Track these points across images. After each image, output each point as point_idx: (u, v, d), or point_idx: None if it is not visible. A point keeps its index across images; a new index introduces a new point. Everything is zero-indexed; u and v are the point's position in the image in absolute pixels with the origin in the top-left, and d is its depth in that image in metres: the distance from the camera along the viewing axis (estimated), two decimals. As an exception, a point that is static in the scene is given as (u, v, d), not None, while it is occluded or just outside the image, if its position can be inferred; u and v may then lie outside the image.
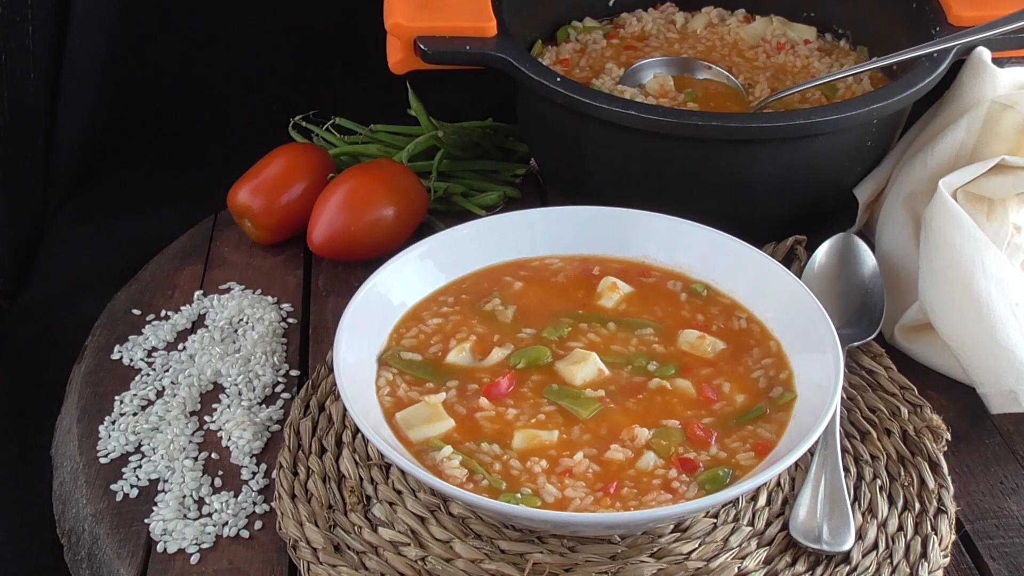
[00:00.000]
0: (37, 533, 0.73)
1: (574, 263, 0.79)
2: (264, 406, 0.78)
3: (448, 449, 0.64)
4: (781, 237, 0.87)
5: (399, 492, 0.69)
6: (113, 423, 0.76)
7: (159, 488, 0.71)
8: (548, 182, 0.99)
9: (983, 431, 0.76)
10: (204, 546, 0.68)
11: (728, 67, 0.98)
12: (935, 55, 0.86)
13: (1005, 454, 0.74)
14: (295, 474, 0.70)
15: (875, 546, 0.66)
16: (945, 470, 0.70)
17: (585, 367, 0.69)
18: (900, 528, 0.67)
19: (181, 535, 0.68)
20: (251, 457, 0.73)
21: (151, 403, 0.78)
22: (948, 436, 0.73)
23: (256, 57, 1.09)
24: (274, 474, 0.71)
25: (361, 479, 0.70)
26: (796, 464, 0.69)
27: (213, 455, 0.74)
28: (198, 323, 0.85)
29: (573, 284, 0.77)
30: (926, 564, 0.65)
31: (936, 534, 0.66)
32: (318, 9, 1.09)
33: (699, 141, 0.81)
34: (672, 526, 0.66)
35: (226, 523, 0.69)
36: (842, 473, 0.68)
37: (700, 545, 0.66)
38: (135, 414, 0.77)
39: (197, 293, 0.88)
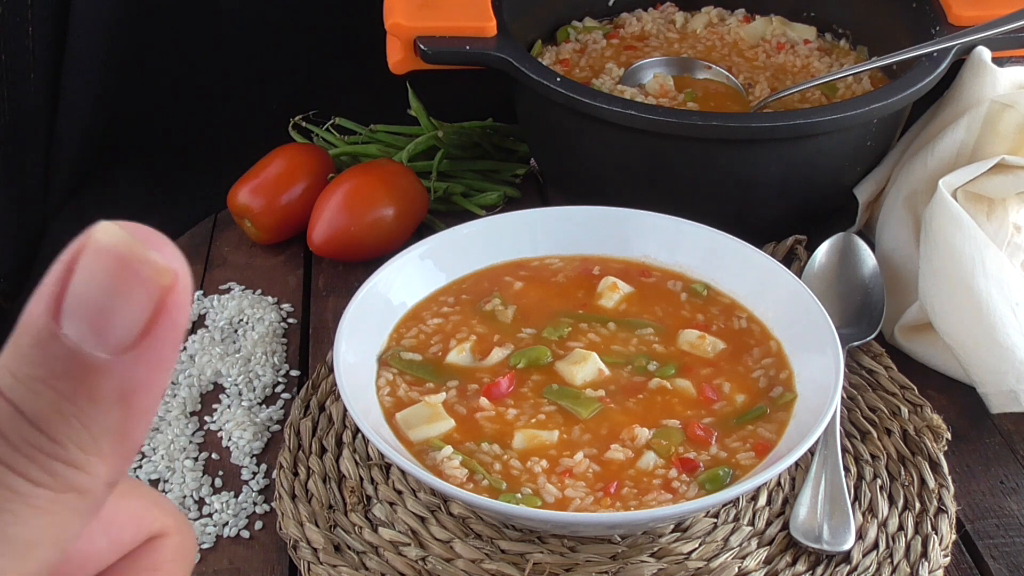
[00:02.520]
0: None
1: (574, 263, 0.79)
2: (264, 406, 0.78)
3: (448, 449, 0.64)
4: (781, 237, 0.87)
5: (399, 492, 0.69)
6: (113, 423, 0.76)
7: (159, 488, 0.71)
8: (548, 182, 0.99)
9: (983, 431, 0.76)
10: (204, 546, 0.68)
11: (728, 67, 0.98)
12: (935, 55, 0.86)
13: (1005, 454, 0.74)
14: (295, 474, 0.70)
15: (875, 546, 0.66)
16: (945, 470, 0.70)
17: (585, 367, 0.69)
18: (900, 528, 0.67)
19: (181, 535, 0.68)
20: (251, 457, 0.74)
21: (151, 403, 0.78)
22: (948, 436, 0.73)
23: (256, 57, 1.09)
24: (274, 474, 0.71)
25: (361, 479, 0.70)
26: (796, 464, 0.69)
27: (213, 455, 0.74)
28: (198, 323, 0.85)
29: (573, 284, 0.77)
30: (926, 564, 0.65)
31: (936, 534, 0.66)
32: (318, 9, 1.09)
33: (699, 141, 0.81)
34: (672, 526, 0.67)
35: (226, 523, 0.69)
36: (842, 473, 0.68)
37: (700, 545, 0.66)
38: (135, 414, 0.77)
39: (197, 293, 0.88)
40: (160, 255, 0.23)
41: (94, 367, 0.22)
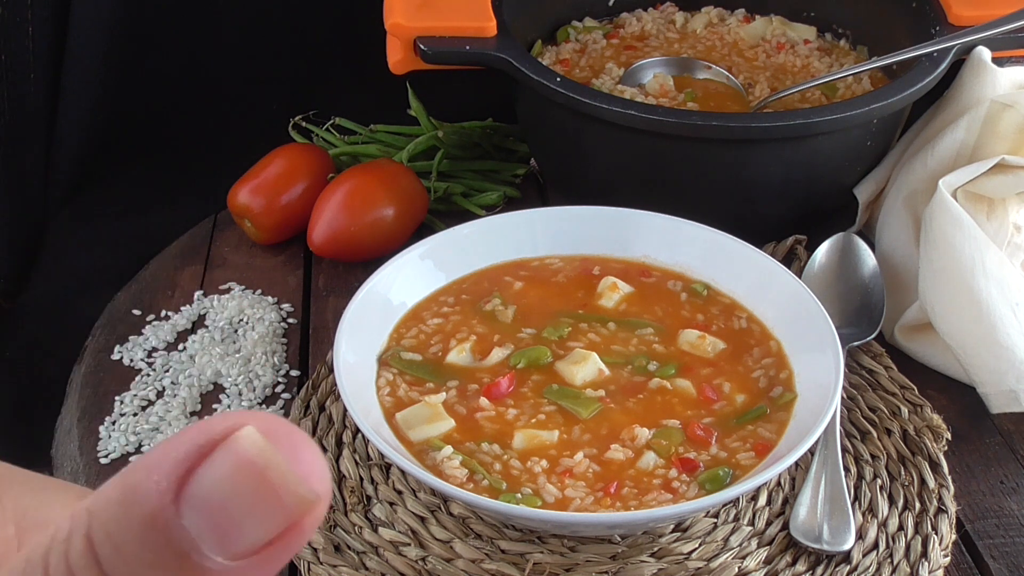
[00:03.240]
0: (38, 534, 0.72)
1: (574, 263, 0.79)
2: (264, 406, 0.78)
3: (448, 449, 0.64)
4: (781, 237, 0.87)
5: (399, 492, 0.69)
6: (113, 423, 0.76)
7: (159, 488, 0.71)
8: (548, 182, 0.99)
9: (983, 431, 0.76)
10: (204, 546, 0.68)
11: (728, 67, 0.98)
12: (935, 55, 0.86)
13: (1005, 454, 0.74)
14: (295, 474, 0.70)
15: (875, 546, 0.66)
16: (945, 470, 0.70)
17: (585, 367, 0.69)
18: (900, 528, 0.67)
19: (181, 535, 0.68)
20: (251, 457, 0.73)
21: (151, 403, 0.78)
22: (948, 436, 0.73)
23: (256, 57, 1.09)
24: (274, 474, 0.71)
25: (361, 479, 0.70)
26: (796, 464, 0.69)
27: (213, 455, 0.74)
28: (198, 323, 0.85)
29: (573, 284, 0.77)
30: (926, 564, 0.65)
31: (936, 534, 0.66)
32: (318, 9, 1.09)
33: (699, 141, 0.81)
34: (672, 526, 0.67)
35: (226, 523, 0.69)
36: (842, 473, 0.68)
37: (700, 545, 0.66)
38: (135, 414, 0.77)
39: (197, 293, 0.88)
40: (303, 476, 0.21)
41: (206, 568, 0.21)
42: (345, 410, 0.73)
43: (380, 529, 0.66)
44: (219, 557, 0.21)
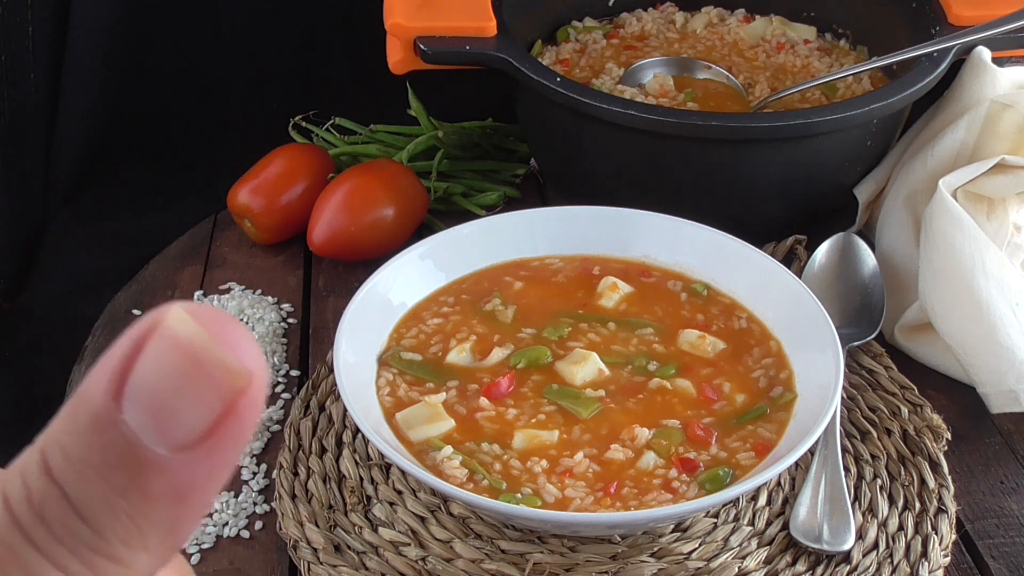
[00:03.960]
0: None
1: (574, 263, 0.79)
2: (264, 406, 0.78)
3: (448, 449, 0.64)
4: (781, 237, 0.87)
5: (399, 492, 0.69)
6: (113, 423, 0.76)
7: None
8: (548, 182, 0.99)
9: (983, 431, 0.76)
10: (204, 546, 0.68)
11: (728, 67, 0.98)
12: (935, 55, 0.86)
13: (1005, 454, 0.74)
14: (295, 474, 0.70)
15: (875, 546, 0.66)
16: (945, 470, 0.70)
17: (585, 367, 0.69)
18: (900, 528, 0.67)
19: (181, 535, 0.68)
20: (251, 457, 0.74)
21: (151, 403, 0.78)
22: (948, 436, 0.73)
23: (256, 57, 1.09)
24: (274, 474, 0.71)
25: (361, 479, 0.70)
26: (796, 464, 0.69)
27: (213, 455, 0.74)
28: (198, 323, 0.85)
29: (573, 284, 0.77)
30: (926, 564, 0.65)
31: (936, 534, 0.66)
32: (318, 9, 1.09)
33: (699, 141, 0.81)
34: (672, 526, 0.67)
35: (226, 523, 0.69)
36: (842, 473, 0.68)
37: (700, 545, 0.66)
38: (135, 414, 0.77)
39: (197, 293, 0.88)
40: (234, 354, 0.21)
41: (151, 462, 0.21)
42: (345, 410, 0.73)
43: (380, 529, 0.66)
44: (161, 449, 0.21)
